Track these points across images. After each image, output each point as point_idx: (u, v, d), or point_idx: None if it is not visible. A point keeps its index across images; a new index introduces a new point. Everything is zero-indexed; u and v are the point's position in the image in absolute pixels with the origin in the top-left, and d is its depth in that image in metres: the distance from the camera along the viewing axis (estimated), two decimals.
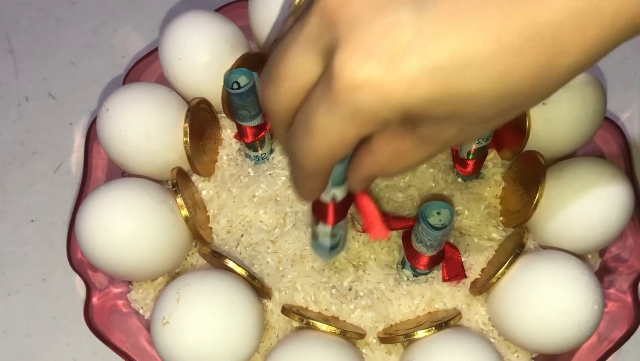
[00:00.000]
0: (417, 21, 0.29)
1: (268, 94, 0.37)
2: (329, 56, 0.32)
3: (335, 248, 0.52)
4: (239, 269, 0.55)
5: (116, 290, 0.60)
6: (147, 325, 0.58)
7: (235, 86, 0.57)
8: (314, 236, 0.51)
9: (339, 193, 0.45)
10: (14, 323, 0.65)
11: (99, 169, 0.64)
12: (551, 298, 0.52)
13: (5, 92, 0.79)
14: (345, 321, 0.57)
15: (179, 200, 0.57)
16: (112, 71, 0.80)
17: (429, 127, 0.34)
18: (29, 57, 0.82)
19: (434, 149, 0.36)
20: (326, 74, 0.32)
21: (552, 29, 0.29)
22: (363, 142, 0.39)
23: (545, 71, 0.30)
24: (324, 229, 0.49)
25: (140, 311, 0.60)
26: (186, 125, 0.60)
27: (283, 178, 0.62)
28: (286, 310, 0.55)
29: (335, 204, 0.46)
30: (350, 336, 0.55)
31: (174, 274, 0.60)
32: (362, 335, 0.56)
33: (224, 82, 0.56)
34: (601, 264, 0.62)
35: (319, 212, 0.48)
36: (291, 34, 0.35)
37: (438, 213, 0.53)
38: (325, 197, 0.45)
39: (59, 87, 0.80)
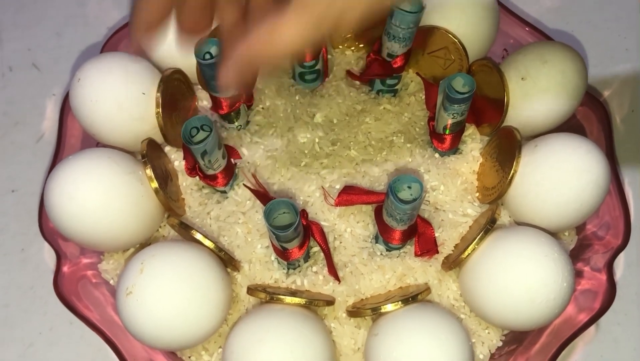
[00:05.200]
0: None
1: None
2: None
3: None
4: (206, 242, 0.55)
5: (87, 260, 0.60)
6: None
7: (207, 56, 0.56)
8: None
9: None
10: None
11: (73, 139, 0.64)
12: (519, 274, 0.52)
13: None
14: (316, 292, 0.57)
15: (148, 172, 0.56)
16: (98, 42, 0.79)
17: None
18: (14, 27, 0.81)
19: (308, 19, 0.37)
20: None
21: None
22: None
23: None
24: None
25: (111, 282, 0.60)
26: (158, 95, 0.59)
27: (261, 148, 0.62)
28: (251, 290, 0.55)
29: None
30: (318, 304, 0.55)
31: (145, 245, 0.59)
32: (331, 302, 0.56)
33: (195, 52, 0.55)
34: (578, 241, 0.61)
35: None
36: None
37: (409, 187, 0.52)
38: None
39: (43, 58, 0.79)
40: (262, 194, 0.57)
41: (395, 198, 0.51)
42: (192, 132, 0.54)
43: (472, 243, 0.55)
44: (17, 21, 0.81)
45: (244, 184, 0.59)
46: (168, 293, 0.50)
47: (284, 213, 0.52)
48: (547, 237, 0.54)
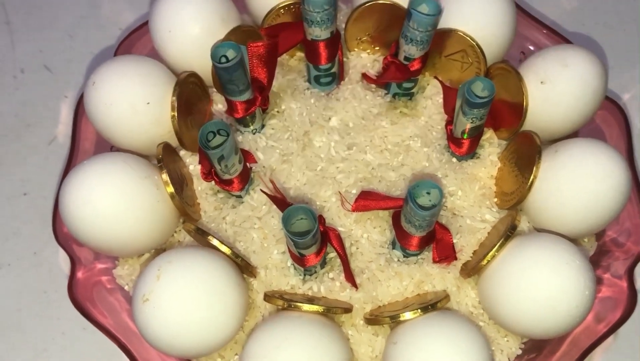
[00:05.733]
0: None
1: None
2: None
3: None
4: (223, 248, 0.54)
5: (101, 266, 0.60)
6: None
7: (223, 59, 0.55)
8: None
9: None
10: (4, 296, 0.65)
11: (87, 142, 0.64)
12: (540, 282, 0.51)
13: (0, 64, 0.78)
14: (333, 298, 0.56)
15: (164, 176, 0.56)
16: (109, 44, 0.79)
17: None
18: (26, 28, 0.81)
19: None
20: None
21: None
22: None
23: None
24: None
25: (126, 288, 0.60)
26: (174, 99, 0.58)
27: (277, 151, 0.61)
28: (268, 296, 0.54)
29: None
30: (335, 311, 0.54)
31: (160, 251, 0.59)
32: (348, 309, 0.55)
33: (211, 55, 0.54)
34: (597, 248, 0.61)
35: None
36: None
37: (428, 193, 0.52)
38: None
39: (55, 60, 0.79)
40: (280, 200, 0.56)
41: (414, 205, 0.50)
42: (209, 137, 0.54)
43: (492, 249, 0.54)
44: (29, 23, 0.81)
45: (261, 190, 0.58)
46: (185, 299, 0.50)
47: (301, 218, 0.51)
48: (568, 244, 0.53)
